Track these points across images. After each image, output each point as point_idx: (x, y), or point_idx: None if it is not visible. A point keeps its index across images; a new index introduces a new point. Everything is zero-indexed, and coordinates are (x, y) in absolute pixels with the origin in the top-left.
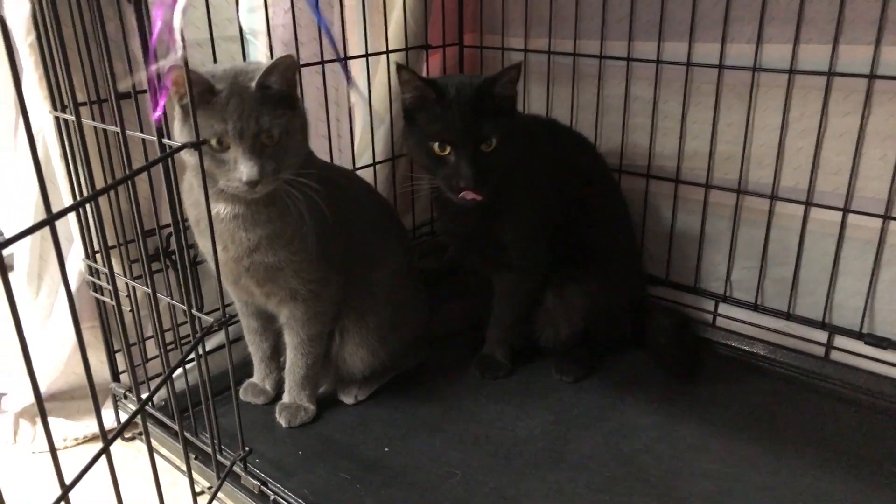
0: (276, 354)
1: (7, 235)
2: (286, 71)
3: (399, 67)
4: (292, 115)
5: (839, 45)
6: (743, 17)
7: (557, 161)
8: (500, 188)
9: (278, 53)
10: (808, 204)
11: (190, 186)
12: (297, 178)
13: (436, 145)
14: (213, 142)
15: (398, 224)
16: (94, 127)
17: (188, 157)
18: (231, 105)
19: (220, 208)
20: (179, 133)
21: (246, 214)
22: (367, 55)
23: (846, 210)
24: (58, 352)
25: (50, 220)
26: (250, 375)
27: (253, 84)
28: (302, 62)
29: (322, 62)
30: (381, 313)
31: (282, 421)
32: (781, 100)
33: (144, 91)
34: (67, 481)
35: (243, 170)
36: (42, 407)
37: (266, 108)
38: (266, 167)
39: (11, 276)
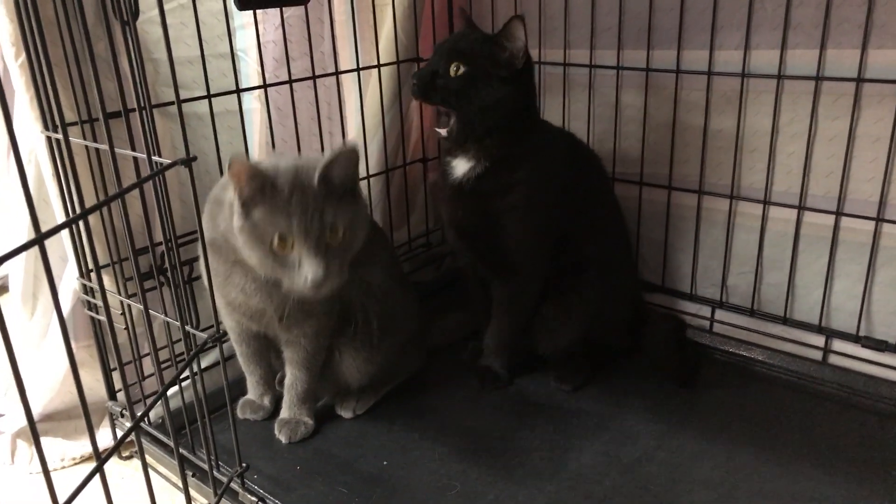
0: (272, 373)
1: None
2: (348, 163)
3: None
4: (356, 209)
5: (826, 50)
6: (730, 24)
7: (569, 172)
8: (508, 180)
9: (270, 70)
10: (801, 208)
11: (212, 216)
12: None
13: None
14: (276, 242)
15: (380, 232)
16: (87, 146)
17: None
18: (294, 201)
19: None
20: (240, 229)
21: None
22: (358, 69)
23: (839, 213)
24: (54, 371)
25: (39, 238)
26: (244, 392)
27: (315, 178)
28: (294, 77)
29: (314, 77)
30: (375, 320)
31: (282, 437)
32: (771, 105)
33: (134, 110)
34: (62, 501)
35: (308, 271)
36: (34, 427)
37: (329, 204)
38: (332, 267)
39: (7, 297)
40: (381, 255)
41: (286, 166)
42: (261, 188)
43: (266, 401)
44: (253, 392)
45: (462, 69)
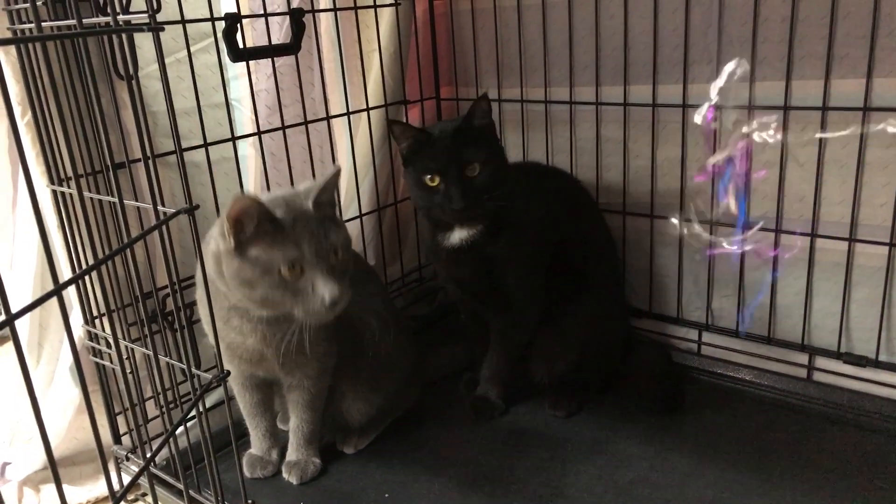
0: (275, 424)
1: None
2: (333, 186)
3: (391, 123)
4: (343, 228)
5: (792, 81)
6: (701, 59)
7: (552, 203)
8: (498, 230)
9: (263, 117)
10: (778, 231)
11: (216, 293)
12: None
13: (427, 178)
14: (286, 271)
15: (372, 272)
16: (91, 198)
17: (214, 274)
18: (299, 228)
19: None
20: (237, 271)
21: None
22: (348, 113)
23: (814, 235)
24: (59, 418)
25: (58, 289)
26: (245, 434)
27: (310, 204)
28: (286, 123)
29: (305, 122)
30: (370, 361)
31: (293, 479)
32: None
33: (138, 160)
34: None
35: (325, 291)
36: (55, 469)
37: (327, 226)
38: (342, 284)
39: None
40: (374, 295)
41: (273, 199)
42: (262, 223)
43: (273, 454)
44: (258, 446)
45: (477, 167)
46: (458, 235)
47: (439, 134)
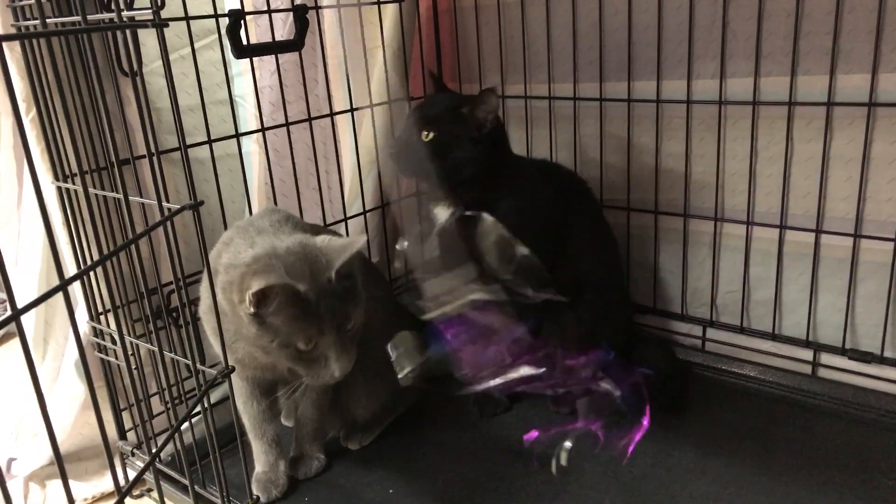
0: (279, 432)
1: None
2: (356, 255)
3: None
4: (361, 294)
5: (797, 77)
6: (706, 54)
7: (547, 199)
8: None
9: (267, 114)
10: (783, 227)
11: (230, 333)
12: None
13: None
14: (303, 346)
15: (374, 269)
16: (97, 194)
17: (227, 305)
18: (322, 307)
19: None
20: (256, 336)
21: None
22: (352, 109)
23: (818, 231)
24: (65, 414)
25: (63, 284)
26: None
27: (332, 274)
28: (290, 119)
29: (309, 119)
30: (375, 355)
31: (298, 474)
32: (748, 130)
33: (143, 156)
34: None
35: (336, 367)
36: (61, 464)
37: (349, 301)
38: (353, 353)
39: (17, 342)
40: (377, 292)
41: (294, 264)
42: (286, 299)
43: (281, 466)
44: (264, 460)
45: (431, 135)
46: (442, 215)
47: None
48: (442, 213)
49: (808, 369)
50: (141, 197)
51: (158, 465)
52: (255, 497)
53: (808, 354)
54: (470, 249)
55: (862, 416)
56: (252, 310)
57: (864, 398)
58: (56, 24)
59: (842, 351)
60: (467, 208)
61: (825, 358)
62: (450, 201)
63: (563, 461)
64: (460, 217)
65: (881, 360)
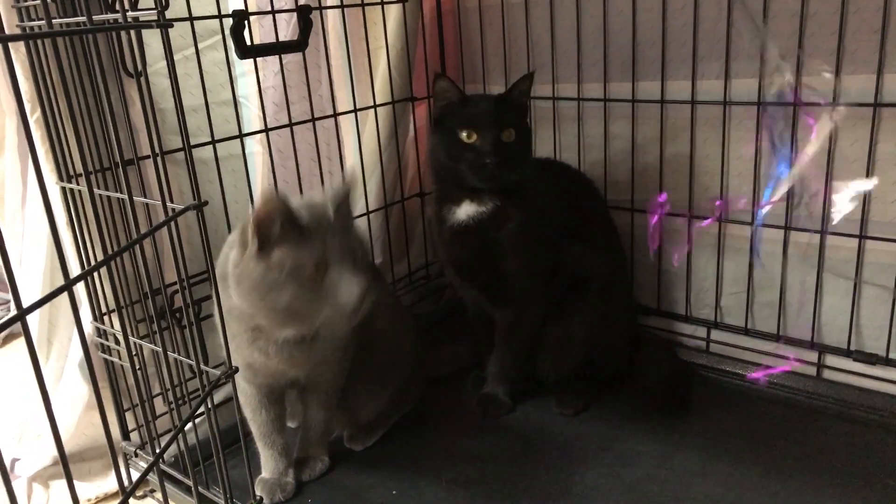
0: (288, 441)
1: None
2: (348, 196)
3: (437, 76)
4: (358, 232)
5: (801, 77)
6: (710, 55)
7: (557, 197)
8: (506, 214)
9: (270, 114)
10: (787, 228)
11: (241, 315)
12: None
13: (463, 133)
14: (311, 271)
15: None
16: (100, 195)
17: (238, 300)
18: (322, 230)
19: (287, 332)
20: (260, 281)
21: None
22: (355, 110)
23: (823, 232)
24: (68, 414)
25: (69, 284)
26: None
27: (331, 211)
28: (294, 120)
29: (313, 119)
30: (379, 358)
31: (303, 476)
32: (753, 130)
33: (147, 157)
34: None
35: (354, 284)
36: (66, 464)
37: (348, 230)
38: (368, 279)
39: (20, 343)
40: (380, 294)
41: (296, 206)
42: (286, 225)
43: (290, 474)
44: (273, 468)
45: (514, 134)
46: (465, 211)
47: (480, 98)
48: (465, 209)
49: (812, 371)
50: (145, 197)
51: (162, 466)
52: (258, 498)
53: (812, 356)
54: (484, 244)
55: (867, 418)
56: (257, 244)
57: (870, 400)
58: (61, 24)
59: (846, 352)
60: (499, 202)
61: (830, 360)
62: (483, 197)
63: None
64: (487, 212)
65: (886, 361)
